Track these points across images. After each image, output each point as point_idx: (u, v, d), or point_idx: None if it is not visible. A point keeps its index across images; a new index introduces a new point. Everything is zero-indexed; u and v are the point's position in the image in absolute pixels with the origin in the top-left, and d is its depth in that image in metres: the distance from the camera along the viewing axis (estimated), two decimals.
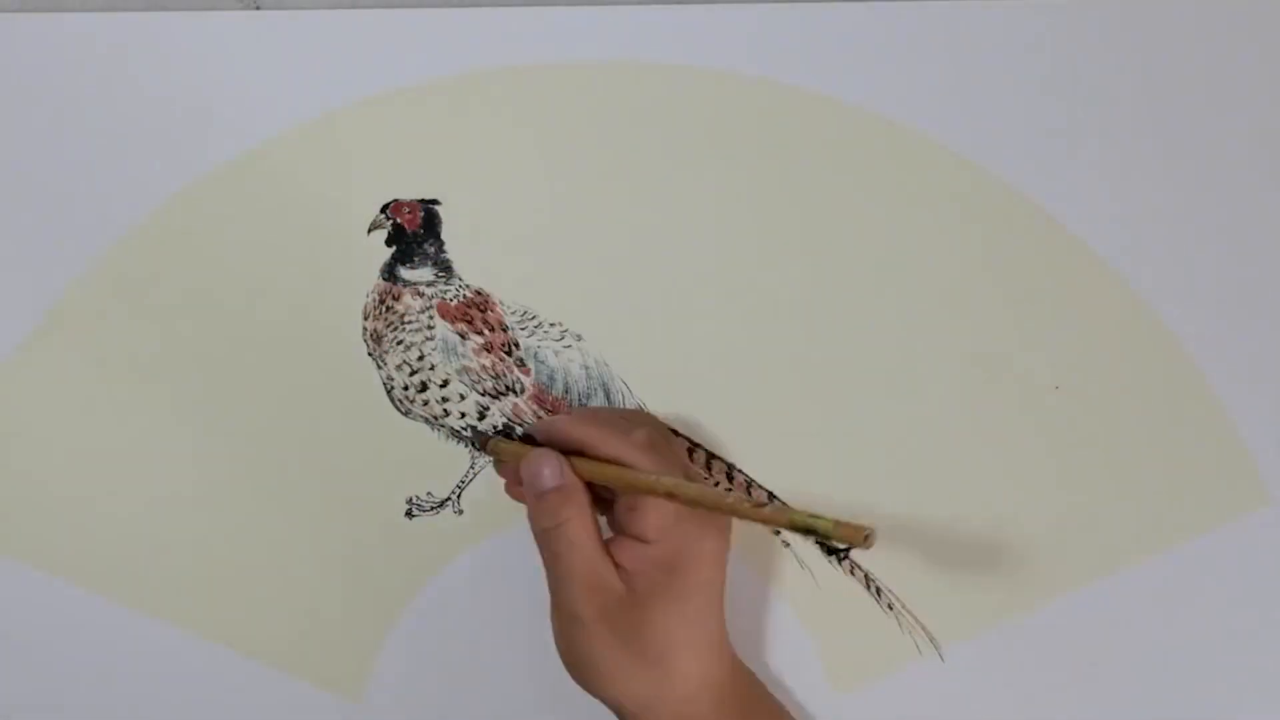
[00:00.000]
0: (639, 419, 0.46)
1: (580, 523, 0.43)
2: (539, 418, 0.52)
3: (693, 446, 0.51)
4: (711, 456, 0.51)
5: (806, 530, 0.38)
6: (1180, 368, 0.51)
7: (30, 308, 0.52)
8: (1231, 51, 0.50)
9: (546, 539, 0.44)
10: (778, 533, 0.52)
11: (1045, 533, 0.51)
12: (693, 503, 0.42)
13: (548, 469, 0.44)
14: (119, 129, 0.52)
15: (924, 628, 0.51)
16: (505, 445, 0.48)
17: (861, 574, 0.52)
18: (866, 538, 0.37)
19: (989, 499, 0.51)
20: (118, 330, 0.52)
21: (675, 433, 0.51)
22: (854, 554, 0.51)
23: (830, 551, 0.37)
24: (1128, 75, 0.51)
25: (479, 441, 0.50)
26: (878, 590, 0.51)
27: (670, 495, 0.42)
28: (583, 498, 0.44)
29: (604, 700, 0.44)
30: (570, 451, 0.45)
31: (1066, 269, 0.51)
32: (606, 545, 0.44)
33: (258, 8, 0.52)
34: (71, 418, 0.52)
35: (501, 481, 0.52)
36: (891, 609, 0.51)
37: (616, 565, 0.44)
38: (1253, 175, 0.51)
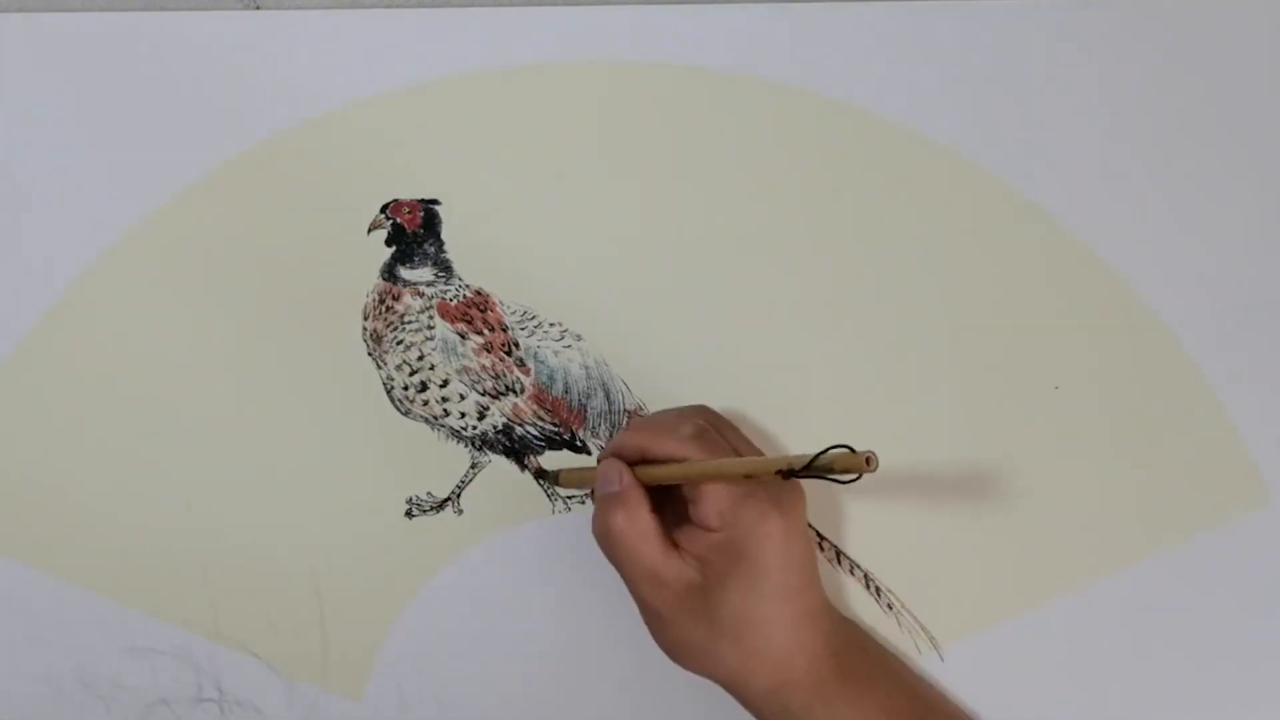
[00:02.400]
0: (687, 415, 0.48)
1: (630, 526, 0.45)
2: (539, 418, 0.52)
3: None
4: None
5: (810, 472, 0.39)
6: (1180, 368, 0.51)
7: (30, 308, 0.52)
8: (1231, 51, 0.50)
9: (602, 544, 0.46)
10: None
11: (1045, 533, 0.51)
12: (706, 479, 0.44)
13: (608, 476, 0.46)
14: (119, 129, 0.52)
15: (924, 628, 0.51)
16: (574, 472, 0.50)
17: (861, 574, 0.52)
18: (869, 461, 0.38)
19: (989, 499, 0.51)
20: (117, 331, 0.52)
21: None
22: (854, 555, 0.51)
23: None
24: (1127, 75, 0.51)
25: (551, 478, 0.52)
26: (877, 590, 0.51)
27: (702, 478, 0.44)
28: (636, 501, 0.45)
29: (702, 675, 0.46)
30: (635, 461, 0.46)
31: (1066, 269, 0.51)
32: (676, 536, 0.46)
33: (258, 8, 0.52)
34: (72, 417, 0.53)
35: (501, 481, 0.52)
36: (891, 609, 0.51)
37: (689, 553, 0.45)
38: (1253, 175, 0.51)
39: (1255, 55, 0.50)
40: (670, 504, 0.46)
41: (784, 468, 0.40)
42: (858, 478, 0.38)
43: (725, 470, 0.43)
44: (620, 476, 0.46)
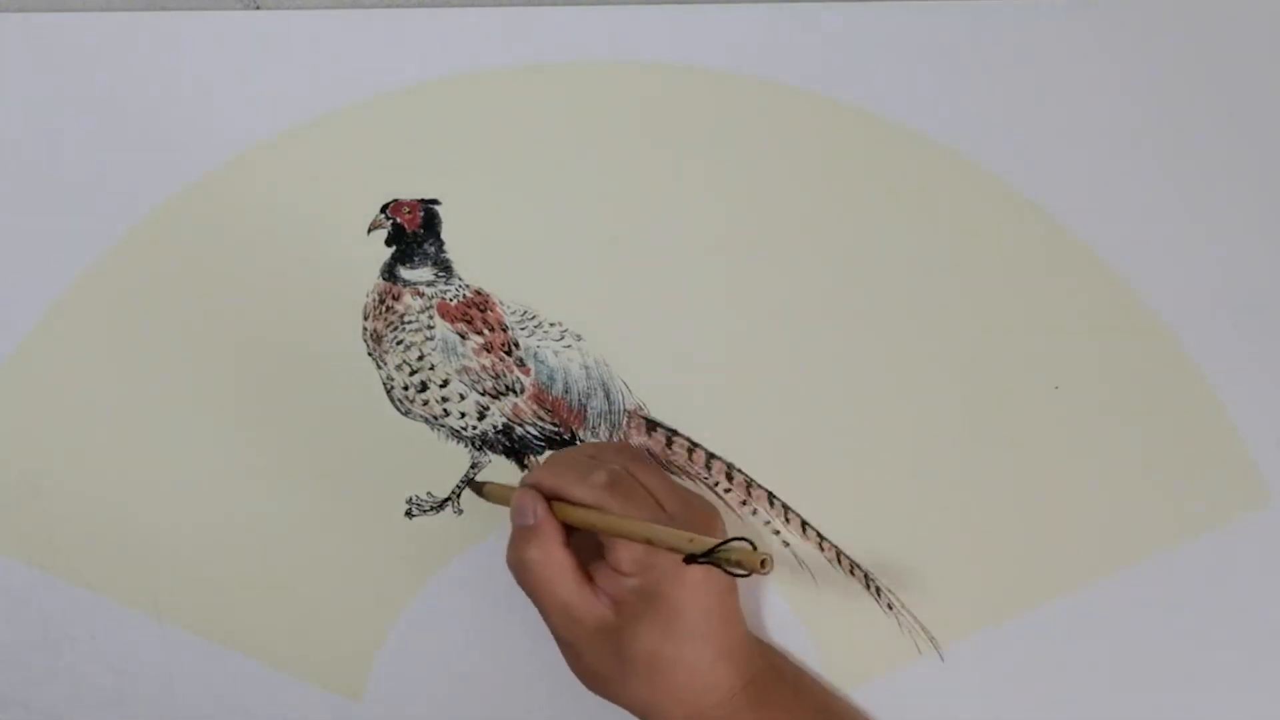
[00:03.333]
0: (605, 457, 0.47)
1: (545, 560, 0.45)
2: (539, 418, 0.52)
3: (692, 446, 0.51)
4: (711, 456, 0.51)
5: (712, 559, 0.40)
6: (1180, 368, 0.51)
7: (30, 307, 0.52)
8: (1232, 51, 0.50)
9: (516, 573, 0.46)
10: (777, 532, 0.52)
11: (1045, 533, 0.51)
12: (611, 533, 0.44)
13: (523, 508, 0.46)
14: (119, 129, 0.52)
15: (924, 628, 0.51)
16: (503, 489, 0.49)
17: (861, 574, 0.52)
18: (764, 563, 0.39)
19: (989, 499, 0.51)
20: (117, 330, 0.52)
21: (675, 433, 0.51)
22: (854, 555, 0.51)
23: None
24: (1128, 75, 0.51)
25: (476, 488, 0.51)
26: (878, 590, 0.51)
27: (608, 532, 0.44)
28: (551, 536, 0.45)
29: (615, 704, 0.46)
30: (551, 497, 0.46)
31: (1066, 269, 0.51)
32: (593, 572, 0.46)
33: (258, 8, 0.52)
34: (71, 418, 0.53)
35: (501, 481, 0.52)
36: (891, 609, 0.51)
37: (604, 592, 0.45)
38: (1253, 175, 0.50)
39: (1256, 55, 0.50)
40: (589, 538, 0.46)
41: (685, 547, 0.41)
42: (749, 575, 0.39)
43: (629, 530, 0.43)
44: (535, 510, 0.45)
